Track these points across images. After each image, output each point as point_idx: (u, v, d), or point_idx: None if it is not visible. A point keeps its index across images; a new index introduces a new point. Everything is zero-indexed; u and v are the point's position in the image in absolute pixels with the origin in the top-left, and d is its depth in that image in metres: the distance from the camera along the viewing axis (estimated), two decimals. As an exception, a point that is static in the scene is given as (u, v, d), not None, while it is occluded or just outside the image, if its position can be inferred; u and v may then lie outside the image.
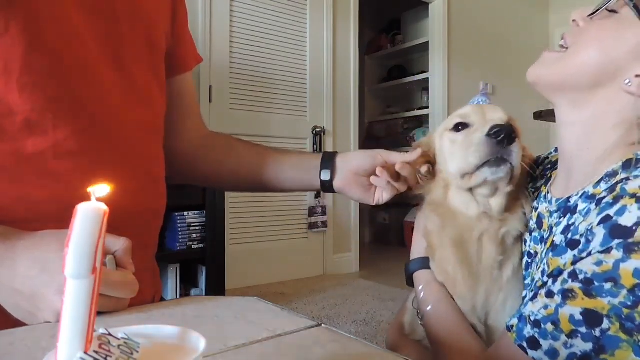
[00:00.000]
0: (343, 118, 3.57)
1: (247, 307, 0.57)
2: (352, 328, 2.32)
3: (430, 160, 0.80)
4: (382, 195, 0.84)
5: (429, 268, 0.79)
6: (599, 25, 0.65)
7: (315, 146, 3.36)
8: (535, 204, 0.76)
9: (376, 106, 5.42)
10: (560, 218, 0.66)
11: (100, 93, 0.71)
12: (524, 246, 0.76)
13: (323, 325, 0.50)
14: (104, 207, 0.26)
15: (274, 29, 3.21)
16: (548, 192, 0.73)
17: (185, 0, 0.93)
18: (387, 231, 4.96)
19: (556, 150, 0.79)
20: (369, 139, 5.23)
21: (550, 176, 0.77)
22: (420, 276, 0.79)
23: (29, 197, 0.64)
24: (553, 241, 0.64)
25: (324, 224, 3.42)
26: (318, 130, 3.39)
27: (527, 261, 0.74)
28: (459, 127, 0.75)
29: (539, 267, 0.66)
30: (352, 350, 0.44)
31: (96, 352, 0.26)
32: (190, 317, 0.53)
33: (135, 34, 0.77)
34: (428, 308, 0.75)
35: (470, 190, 0.73)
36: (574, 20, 0.69)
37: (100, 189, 0.28)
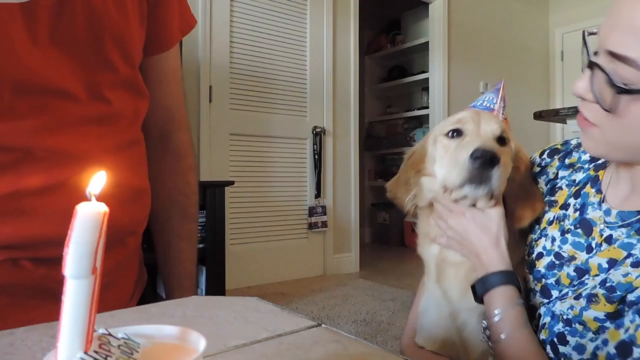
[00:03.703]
0: (343, 118, 3.57)
1: (247, 307, 0.57)
2: (352, 328, 2.32)
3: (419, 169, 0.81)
4: None
5: (512, 284, 0.69)
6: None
7: (315, 146, 3.36)
8: (572, 200, 0.72)
9: (376, 106, 5.42)
10: (632, 236, 0.62)
11: (70, 127, 0.70)
12: (547, 243, 0.73)
13: (323, 325, 0.50)
14: (104, 207, 0.26)
15: (274, 29, 3.21)
16: (603, 200, 0.68)
17: None
18: (387, 231, 4.96)
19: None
20: (369, 139, 5.23)
21: (597, 177, 0.71)
22: (498, 295, 0.69)
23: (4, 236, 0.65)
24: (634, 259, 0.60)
25: (324, 224, 3.42)
26: (318, 130, 3.39)
27: (552, 261, 0.70)
28: (453, 133, 0.76)
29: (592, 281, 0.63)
30: (352, 350, 0.44)
31: (96, 352, 0.26)
32: (190, 317, 0.53)
33: (106, 54, 0.73)
34: (502, 336, 0.67)
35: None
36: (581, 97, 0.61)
37: (97, 180, 0.28)
